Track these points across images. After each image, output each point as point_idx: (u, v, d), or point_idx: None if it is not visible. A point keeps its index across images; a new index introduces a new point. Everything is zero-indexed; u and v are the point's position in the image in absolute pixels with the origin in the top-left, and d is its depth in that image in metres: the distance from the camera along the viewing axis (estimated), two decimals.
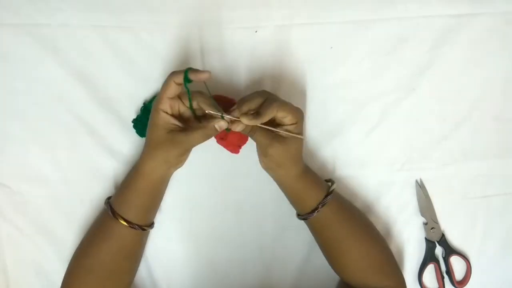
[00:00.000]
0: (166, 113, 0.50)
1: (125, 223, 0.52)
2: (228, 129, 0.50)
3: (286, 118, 0.50)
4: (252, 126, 0.51)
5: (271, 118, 0.50)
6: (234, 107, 0.50)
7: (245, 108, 0.49)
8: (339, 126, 0.63)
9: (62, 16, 0.57)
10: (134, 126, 0.59)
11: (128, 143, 0.60)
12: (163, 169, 0.52)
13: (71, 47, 0.58)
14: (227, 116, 0.49)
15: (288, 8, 0.59)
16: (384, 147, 0.64)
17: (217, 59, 0.60)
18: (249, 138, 0.56)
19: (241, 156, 0.61)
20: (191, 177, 0.61)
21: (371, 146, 0.63)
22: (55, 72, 0.58)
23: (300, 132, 0.52)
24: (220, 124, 0.49)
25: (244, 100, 0.51)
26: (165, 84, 0.49)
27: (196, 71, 0.48)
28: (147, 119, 0.52)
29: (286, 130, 0.51)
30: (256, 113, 0.49)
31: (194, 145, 0.51)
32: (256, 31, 0.59)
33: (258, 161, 0.58)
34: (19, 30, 0.57)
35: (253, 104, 0.50)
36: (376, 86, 0.62)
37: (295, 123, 0.51)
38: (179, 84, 0.49)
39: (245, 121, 0.48)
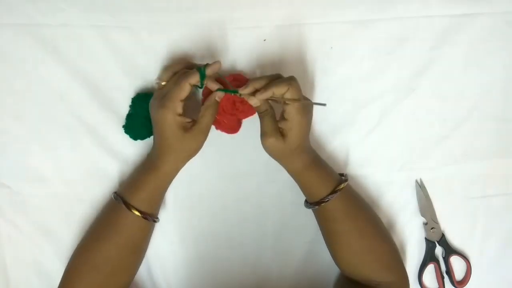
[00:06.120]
0: (179, 115, 0.51)
1: (139, 214, 0.53)
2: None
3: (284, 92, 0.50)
4: (266, 108, 0.52)
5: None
6: (246, 84, 0.52)
7: (250, 88, 0.51)
8: (339, 126, 0.63)
9: (62, 16, 0.57)
10: (126, 132, 0.59)
11: (128, 143, 0.60)
12: (184, 163, 0.54)
13: (71, 47, 0.58)
14: (237, 91, 0.52)
15: (288, 8, 0.59)
16: (384, 147, 0.64)
17: (216, 59, 0.59)
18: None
19: (241, 156, 0.62)
20: (191, 177, 0.61)
21: (371, 146, 0.63)
22: (55, 72, 0.58)
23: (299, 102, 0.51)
24: (218, 94, 0.52)
25: (255, 78, 0.52)
26: (179, 87, 0.50)
27: (209, 65, 0.51)
28: (137, 123, 0.52)
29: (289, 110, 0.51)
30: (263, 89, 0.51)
31: (209, 128, 0.53)
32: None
33: (259, 162, 0.58)
34: (19, 30, 0.57)
35: (263, 82, 0.51)
36: (376, 86, 0.62)
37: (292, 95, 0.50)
38: (192, 85, 0.50)
39: (249, 98, 0.51)
